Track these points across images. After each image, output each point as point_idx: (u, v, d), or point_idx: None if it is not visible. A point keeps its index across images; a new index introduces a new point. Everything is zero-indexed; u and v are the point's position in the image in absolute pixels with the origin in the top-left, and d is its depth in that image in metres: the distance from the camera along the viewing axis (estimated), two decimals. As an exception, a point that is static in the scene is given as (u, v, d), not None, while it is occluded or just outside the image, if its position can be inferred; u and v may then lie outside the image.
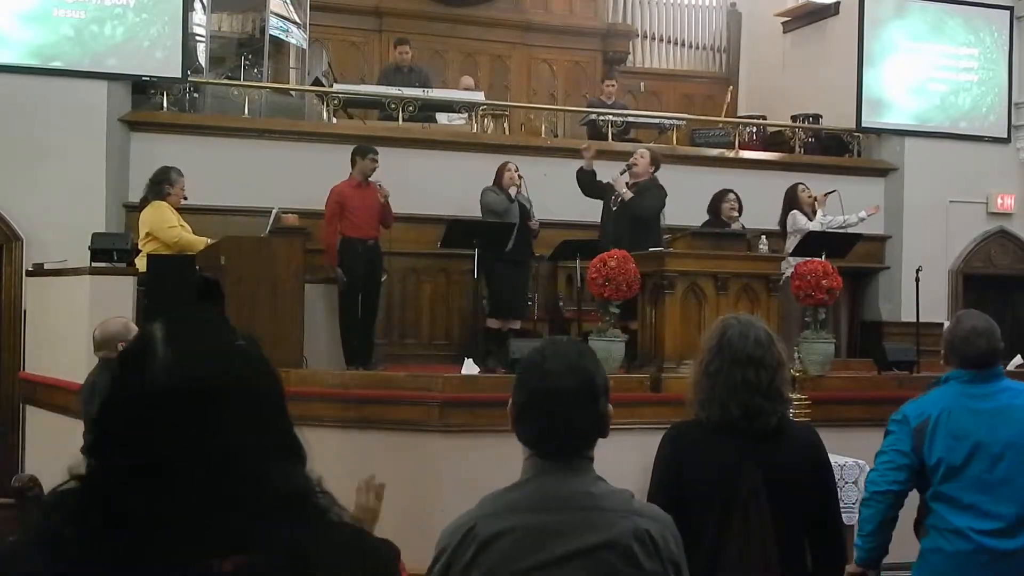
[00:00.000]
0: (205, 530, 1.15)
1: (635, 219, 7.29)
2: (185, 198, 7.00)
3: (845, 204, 8.27)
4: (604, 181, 7.61)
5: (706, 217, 7.80)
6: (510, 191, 7.70)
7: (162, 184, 6.91)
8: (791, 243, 7.79)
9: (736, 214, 7.73)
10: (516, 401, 1.96)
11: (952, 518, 3.07)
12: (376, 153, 7.62)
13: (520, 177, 7.80)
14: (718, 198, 7.82)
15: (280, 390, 1.28)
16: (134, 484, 1.17)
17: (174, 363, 1.21)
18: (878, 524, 3.17)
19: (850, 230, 8.15)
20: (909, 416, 3.18)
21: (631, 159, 7.58)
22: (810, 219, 7.94)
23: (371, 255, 7.55)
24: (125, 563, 1.14)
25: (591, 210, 7.95)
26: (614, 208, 7.38)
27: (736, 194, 7.84)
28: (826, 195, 8.14)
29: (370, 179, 7.57)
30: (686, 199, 7.88)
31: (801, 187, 8.16)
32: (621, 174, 7.46)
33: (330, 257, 7.51)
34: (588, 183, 7.65)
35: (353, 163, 7.59)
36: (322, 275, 7.66)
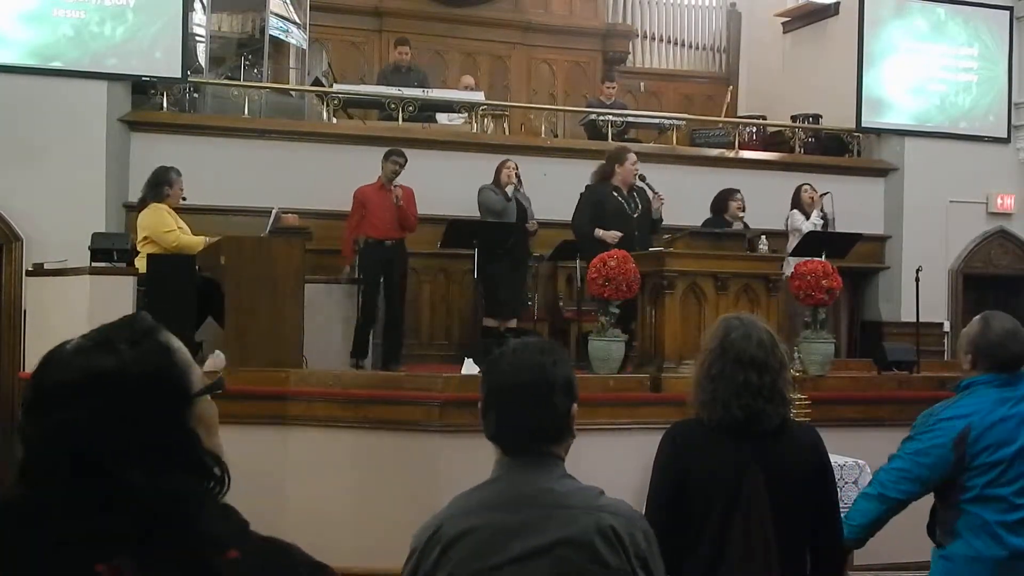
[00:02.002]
0: (77, 531, 1.15)
1: (652, 223, 7.29)
2: (184, 198, 7.00)
3: (846, 204, 8.29)
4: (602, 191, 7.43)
5: (706, 216, 7.79)
6: (507, 189, 7.71)
7: (161, 186, 6.90)
8: (791, 242, 7.82)
9: (742, 214, 7.74)
10: (482, 400, 2.00)
11: (994, 518, 3.00)
12: (400, 155, 7.65)
13: (517, 176, 7.80)
14: (725, 196, 7.79)
15: (167, 398, 1.24)
16: (20, 479, 1.21)
17: (58, 359, 1.24)
18: (873, 521, 3.12)
19: (851, 230, 8.17)
20: (949, 427, 3.06)
21: (645, 179, 7.43)
22: (807, 219, 7.98)
23: (389, 256, 7.58)
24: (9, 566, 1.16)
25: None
26: (635, 216, 7.26)
27: (741, 194, 7.85)
28: (820, 196, 8.16)
29: (396, 183, 7.59)
30: (686, 199, 7.89)
31: (805, 187, 8.22)
32: (643, 180, 7.37)
33: (344, 254, 7.65)
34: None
35: (382, 166, 7.67)
36: (329, 274, 7.71)
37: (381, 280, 7.57)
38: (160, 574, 1.15)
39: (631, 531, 1.91)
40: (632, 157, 7.36)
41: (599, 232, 7.03)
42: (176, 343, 1.30)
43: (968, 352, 3.17)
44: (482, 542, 1.88)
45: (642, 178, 7.34)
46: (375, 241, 7.55)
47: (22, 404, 1.25)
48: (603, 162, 7.44)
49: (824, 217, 8.09)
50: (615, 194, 7.22)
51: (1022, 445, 3.03)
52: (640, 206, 7.25)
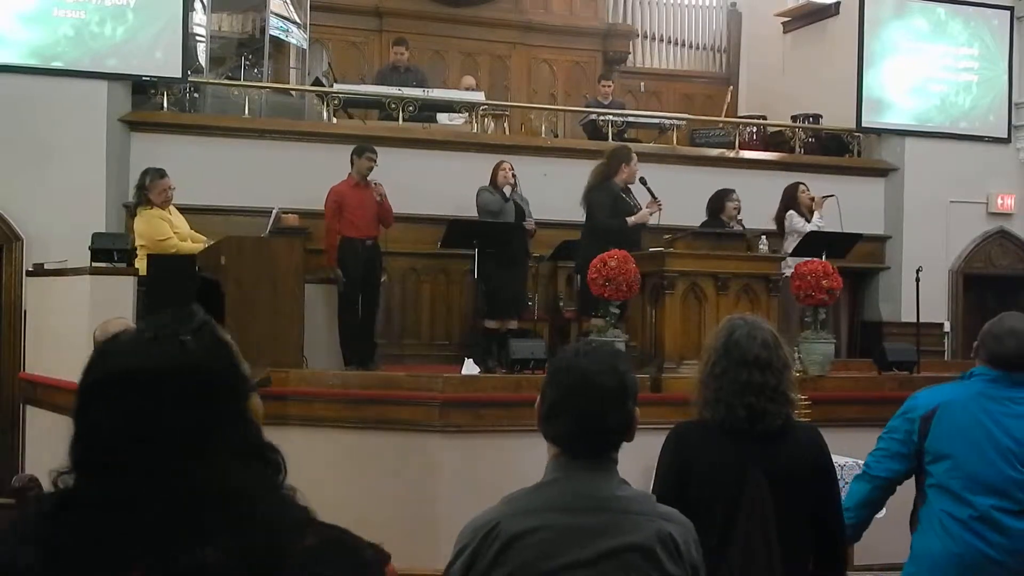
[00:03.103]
0: (157, 523, 1.16)
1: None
2: (171, 194, 6.92)
3: (846, 204, 8.27)
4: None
5: (704, 217, 7.79)
6: (504, 190, 7.70)
7: (141, 190, 6.92)
8: (788, 243, 7.79)
9: (738, 215, 7.71)
10: (549, 398, 1.96)
11: (946, 510, 3.00)
12: (374, 152, 7.61)
13: (514, 176, 7.79)
14: (721, 197, 7.74)
15: (228, 389, 1.27)
16: (88, 475, 1.21)
17: (119, 351, 1.25)
18: (863, 502, 3.13)
19: (851, 230, 8.16)
20: (919, 404, 3.12)
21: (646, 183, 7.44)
22: (807, 220, 7.93)
23: (370, 255, 7.54)
24: (81, 556, 1.16)
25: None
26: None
27: (737, 194, 7.82)
28: (824, 199, 8.11)
29: (369, 178, 7.55)
30: (686, 199, 7.87)
31: (802, 187, 8.14)
32: (644, 183, 7.36)
33: (330, 257, 7.52)
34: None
35: (352, 163, 7.59)
36: (322, 275, 7.66)
37: (361, 280, 7.50)
38: (243, 564, 1.16)
39: (686, 539, 1.94)
40: (635, 157, 7.38)
41: (631, 219, 7.04)
42: (228, 337, 1.32)
43: (976, 342, 3.20)
44: (547, 543, 1.87)
45: (643, 181, 7.34)
46: (356, 240, 7.46)
47: (80, 398, 1.25)
48: (603, 161, 7.42)
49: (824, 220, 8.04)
50: (623, 194, 7.23)
51: (984, 444, 3.00)
52: (637, 207, 7.27)
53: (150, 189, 6.86)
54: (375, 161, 7.57)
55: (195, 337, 1.26)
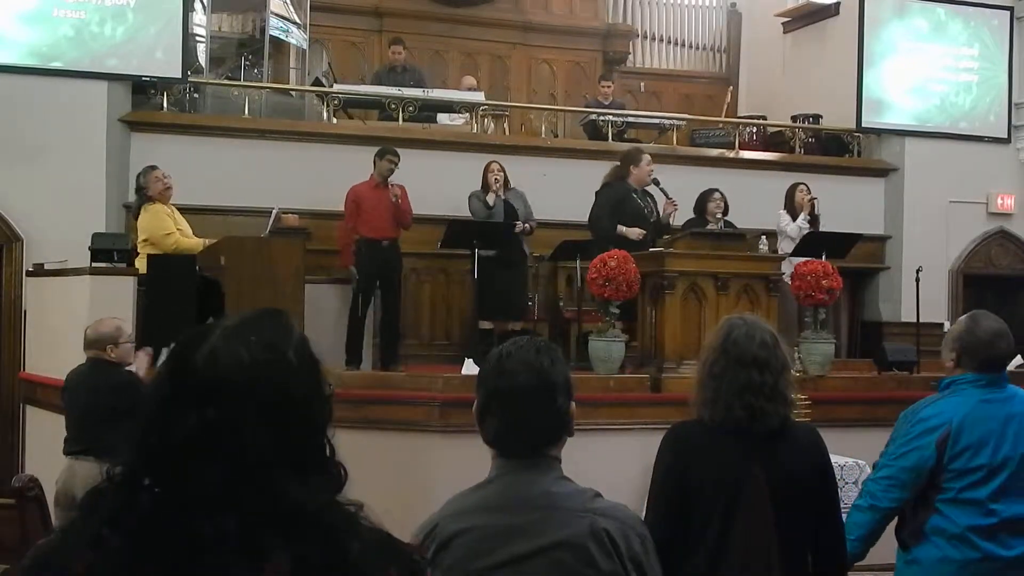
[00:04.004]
0: (225, 535, 1.15)
1: (660, 227, 7.32)
2: (168, 187, 6.90)
3: (846, 204, 8.29)
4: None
5: (691, 216, 7.79)
6: (488, 197, 7.69)
7: (140, 189, 6.94)
8: (780, 245, 7.80)
9: (719, 214, 7.72)
10: (478, 401, 1.98)
11: (968, 522, 2.97)
12: (395, 155, 7.62)
13: (503, 176, 7.77)
14: (704, 197, 7.79)
15: (319, 406, 1.26)
16: (159, 480, 1.18)
17: (209, 356, 1.21)
18: (870, 534, 3.08)
19: (851, 230, 8.16)
20: (929, 428, 3.01)
21: (660, 184, 7.42)
22: (794, 220, 7.98)
23: (386, 256, 7.55)
24: (150, 566, 1.14)
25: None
26: (651, 219, 7.27)
27: (721, 193, 7.82)
28: (810, 200, 8.12)
29: (389, 180, 7.57)
30: (686, 199, 7.87)
31: (800, 188, 8.16)
32: (657, 185, 7.38)
33: (344, 257, 7.57)
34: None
35: (374, 164, 7.62)
36: (330, 275, 7.69)
37: (377, 281, 7.55)
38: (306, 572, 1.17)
39: (625, 534, 1.90)
40: (647, 159, 7.39)
41: (622, 229, 7.06)
42: (318, 350, 1.31)
43: (953, 350, 3.12)
44: (477, 543, 1.88)
45: (656, 183, 7.36)
46: (372, 241, 7.51)
47: (162, 395, 1.21)
48: (617, 163, 7.46)
49: (811, 220, 8.05)
50: (634, 195, 7.24)
51: (1004, 450, 2.99)
52: (654, 210, 7.28)
53: (146, 185, 6.87)
54: (396, 163, 7.59)
55: (297, 352, 1.25)
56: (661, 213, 7.42)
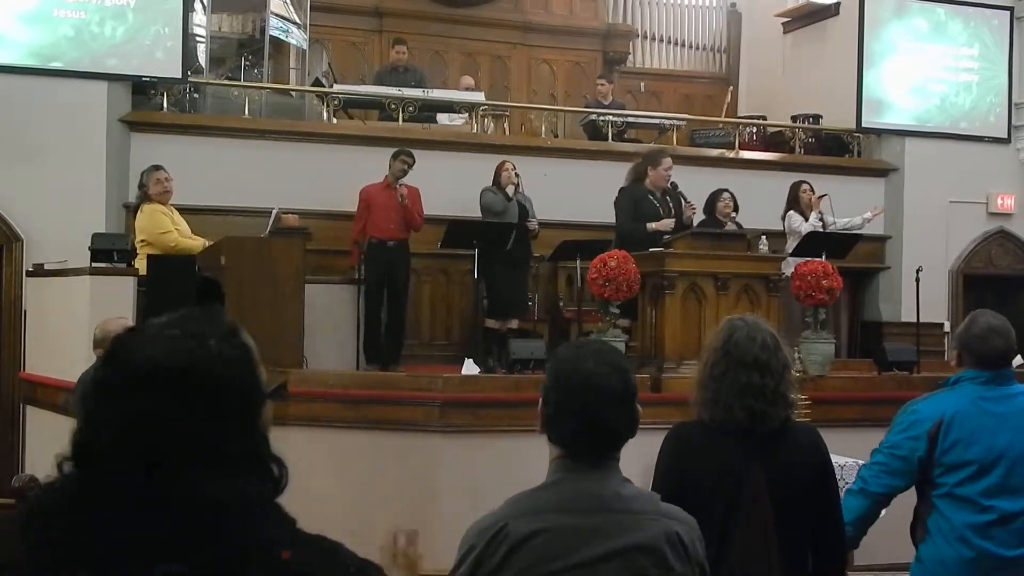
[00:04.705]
0: (136, 529, 1.13)
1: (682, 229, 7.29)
2: (168, 189, 6.92)
3: (846, 204, 8.27)
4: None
5: (702, 217, 7.80)
6: (507, 190, 7.71)
7: (142, 188, 6.96)
8: (789, 244, 7.80)
9: (732, 212, 7.73)
10: (553, 400, 1.95)
11: (962, 519, 2.98)
12: (409, 156, 7.64)
13: (517, 176, 7.80)
14: (713, 198, 7.83)
15: (248, 399, 1.23)
16: (83, 468, 1.18)
17: (141, 344, 1.20)
18: (861, 517, 3.11)
19: (853, 231, 8.17)
20: (922, 419, 3.06)
21: (677, 188, 7.41)
22: (806, 220, 7.96)
23: (393, 256, 7.56)
24: (62, 557, 1.13)
25: (592, 210, 7.96)
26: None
27: (731, 193, 7.84)
28: (819, 198, 8.13)
29: (401, 181, 7.58)
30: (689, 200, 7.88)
31: (804, 187, 8.17)
32: (675, 188, 7.36)
33: (352, 256, 7.61)
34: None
35: (389, 165, 7.66)
36: (329, 274, 7.70)
37: (384, 281, 7.56)
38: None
39: (692, 537, 1.94)
40: (667, 162, 7.38)
41: (652, 225, 7.04)
42: (252, 343, 1.28)
43: (955, 348, 3.18)
44: (553, 544, 1.86)
45: (674, 186, 7.36)
46: (378, 241, 7.53)
47: (95, 385, 1.21)
48: (638, 162, 7.45)
49: (822, 219, 8.05)
50: (650, 197, 7.25)
51: (998, 446, 2.99)
52: (672, 211, 7.27)
53: (148, 184, 6.88)
54: (410, 164, 7.62)
55: (221, 340, 1.23)
56: (683, 214, 7.38)
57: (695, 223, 7.44)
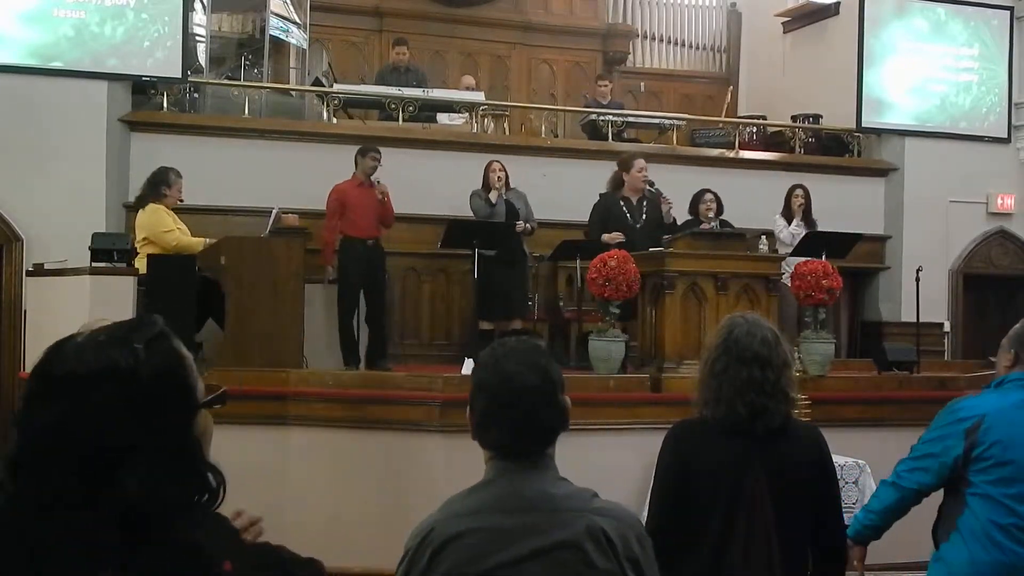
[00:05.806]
0: (75, 539, 1.12)
1: (667, 228, 7.31)
2: (181, 200, 6.99)
3: (846, 204, 8.28)
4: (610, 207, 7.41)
5: (687, 217, 7.81)
6: (491, 195, 7.69)
7: (159, 186, 6.93)
8: (778, 247, 7.81)
9: (712, 214, 7.74)
10: (479, 407, 1.94)
11: (996, 520, 2.94)
12: (378, 152, 7.62)
13: (504, 176, 7.77)
14: (696, 199, 7.85)
15: (175, 403, 1.22)
16: (13, 476, 1.18)
17: (66, 351, 1.21)
18: (888, 508, 3.10)
19: (851, 230, 8.17)
20: (962, 417, 3.03)
21: (654, 186, 7.42)
22: (788, 225, 8.02)
23: (371, 255, 7.54)
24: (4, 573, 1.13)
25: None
26: (638, 226, 7.25)
27: (714, 194, 7.86)
28: (800, 206, 8.13)
29: (372, 178, 7.56)
30: (686, 199, 7.88)
31: (797, 192, 8.20)
32: (651, 187, 7.38)
33: (325, 256, 7.51)
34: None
35: (356, 163, 7.60)
36: (323, 275, 7.67)
37: (362, 281, 7.49)
38: None
39: (623, 533, 1.90)
40: (639, 163, 7.38)
41: (604, 236, 7.11)
42: (186, 351, 1.28)
43: (1012, 349, 3.12)
44: (475, 546, 1.87)
45: (650, 184, 7.36)
46: (357, 240, 7.48)
47: (25, 395, 1.21)
48: (614, 170, 7.47)
49: (806, 222, 8.07)
50: (621, 204, 7.27)
51: None
52: (646, 216, 7.27)
53: (170, 187, 6.89)
54: (379, 161, 7.58)
55: (148, 346, 1.21)
56: (664, 215, 7.38)
57: (678, 221, 7.46)
